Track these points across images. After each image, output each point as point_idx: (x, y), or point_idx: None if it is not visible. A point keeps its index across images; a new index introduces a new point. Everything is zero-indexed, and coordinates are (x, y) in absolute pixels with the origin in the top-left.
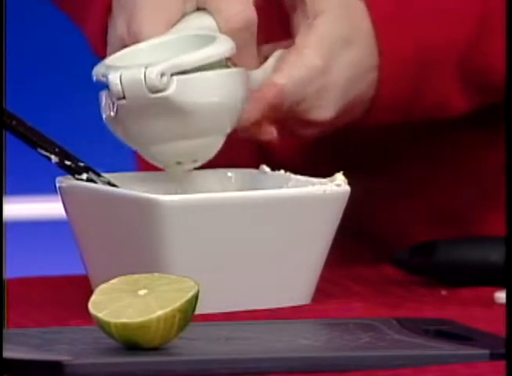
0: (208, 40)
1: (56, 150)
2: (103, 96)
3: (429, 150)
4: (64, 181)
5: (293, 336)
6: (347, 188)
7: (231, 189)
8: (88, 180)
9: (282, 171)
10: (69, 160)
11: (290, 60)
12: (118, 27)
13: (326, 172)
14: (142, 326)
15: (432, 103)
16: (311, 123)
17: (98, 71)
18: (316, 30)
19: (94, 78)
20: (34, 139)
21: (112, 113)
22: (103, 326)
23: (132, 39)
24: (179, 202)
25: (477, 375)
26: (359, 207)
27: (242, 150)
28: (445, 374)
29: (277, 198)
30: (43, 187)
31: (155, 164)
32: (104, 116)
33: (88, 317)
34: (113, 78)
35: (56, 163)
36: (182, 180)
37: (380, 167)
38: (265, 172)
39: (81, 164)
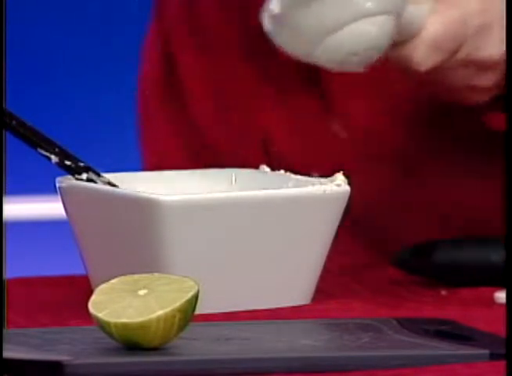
0: None
1: (56, 150)
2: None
3: (435, 150)
4: (64, 181)
5: (293, 336)
6: (347, 188)
7: (231, 189)
8: (88, 180)
9: (282, 171)
10: (69, 160)
11: (444, 2)
12: None
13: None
14: (142, 326)
15: None
16: (483, 66)
17: None
18: None
19: None
20: (34, 139)
21: (276, 11)
22: (103, 326)
23: None
24: (179, 202)
25: (477, 375)
26: (359, 207)
27: (249, 150)
28: (445, 374)
29: (277, 198)
30: (43, 187)
31: (329, 65)
32: (270, 27)
33: (88, 317)
34: None
35: (56, 163)
36: (181, 180)
37: (381, 167)
38: (265, 172)
39: (81, 164)
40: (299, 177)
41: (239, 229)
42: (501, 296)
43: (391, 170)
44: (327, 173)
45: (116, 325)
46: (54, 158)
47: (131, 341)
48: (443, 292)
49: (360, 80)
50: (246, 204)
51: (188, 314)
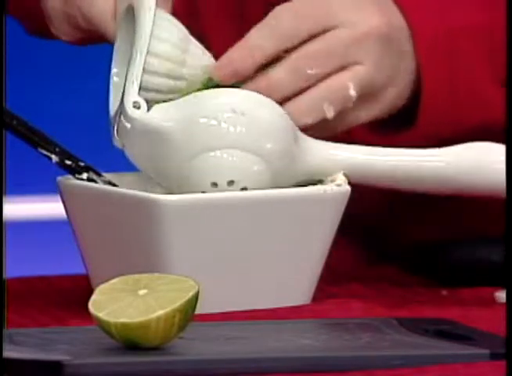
0: None
1: (57, 149)
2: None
3: None
4: (64, 181)
5: (293, 336)
6: (347, 188)
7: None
8: (89, 180)
9: None
10: (69, 159)
11: None
12: None
13: None
14: (142, 326)
15: (468, 94)
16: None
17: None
18: None
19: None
20: (35, 139)
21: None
22: (103, 326)
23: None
24: (179, 202)
25: (477, 375)
26: (360, 206)
27: None
28: (445, 374)
29: (277, 198)
30: (43, 187)
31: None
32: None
33: (88, 317)
34: (115, 140)
35: (57, 162)
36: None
37: None
38: None
39: (82, 164)
40: None
41: (239, 229)
42: (501, 296)
43: None
44: None
45: (116, 325)
46: (54, 158)
47: (131, 341)
48: (443, 292)
49: None
50: (247, 204)
51: (188, 314)
